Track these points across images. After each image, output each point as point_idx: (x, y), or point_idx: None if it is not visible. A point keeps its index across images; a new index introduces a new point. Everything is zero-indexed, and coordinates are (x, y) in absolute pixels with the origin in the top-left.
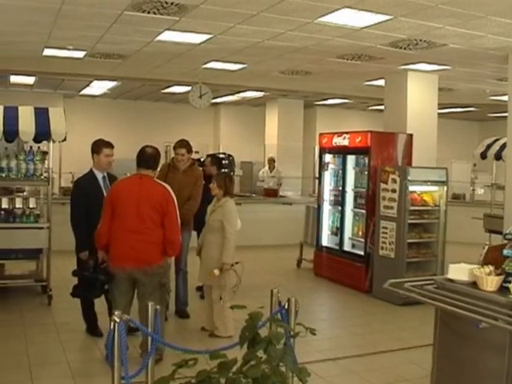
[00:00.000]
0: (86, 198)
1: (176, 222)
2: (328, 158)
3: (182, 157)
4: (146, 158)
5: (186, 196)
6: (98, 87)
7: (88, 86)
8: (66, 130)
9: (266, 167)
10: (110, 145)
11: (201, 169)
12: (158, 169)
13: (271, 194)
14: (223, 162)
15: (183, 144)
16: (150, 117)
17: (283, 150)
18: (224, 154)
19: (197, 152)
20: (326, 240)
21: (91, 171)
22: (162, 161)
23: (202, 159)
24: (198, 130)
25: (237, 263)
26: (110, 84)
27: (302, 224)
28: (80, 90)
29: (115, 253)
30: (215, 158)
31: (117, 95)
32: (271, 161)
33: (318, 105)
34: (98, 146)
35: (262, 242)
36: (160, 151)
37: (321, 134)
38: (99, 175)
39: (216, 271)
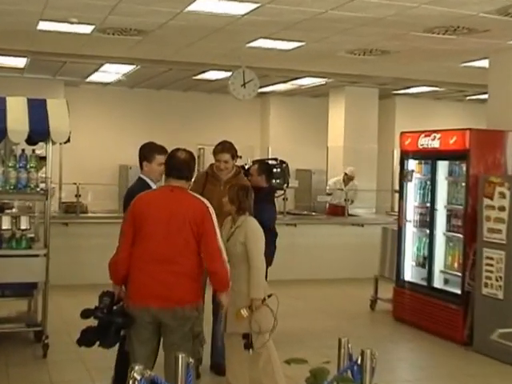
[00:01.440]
0: None
1: (216, 247)
2: (412, 164)
3: (226, 164)
4: (178, 165)
5: (227, 212)
6: (111, 73)
7: (97, 70)
8: (69, 128)
9: (340, 177)
10: (163, 151)
11: (245, 179)
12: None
13: (337, 211)
14: (274, 170)
15: (226, 148)
16: (177, 111)
17: (352, 154)
18: (275, 159)
19: (239, 157)
20: (410, 273)
21: (142, 180)
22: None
23: (246, 166)
24: (240, 128)
25: (270, 296)
26: (126, 68)
27: (377, 252)
28: (87, 77)
29: (136, 288)
30: (264, 166)
31: (135, 83)
32: (349, 179)
33: (398, 94)
34: (151, 153)
35: (323, 276)
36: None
37: (402, 134)
38: (152, 184)
39: (244, 311)
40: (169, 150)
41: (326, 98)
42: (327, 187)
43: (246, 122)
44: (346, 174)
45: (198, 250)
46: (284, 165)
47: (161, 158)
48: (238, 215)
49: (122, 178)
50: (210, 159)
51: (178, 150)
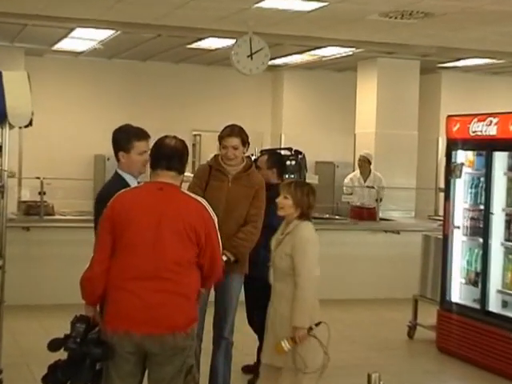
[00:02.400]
0: None
1: (220, 263)
2: (461, 156)
3: (235, 152)
4: (167, 152)
5: (238, 218)
6: (84, 39)
7: (66, 36)
8: (31, 108)
9: (357, 172)
10: (144, 135)
11: (259, 174)
12: (189, 173)
13: (366, 215)
14: (288, 162)
15: (236, 131)
16: (167, 89)
17: (385, 142)
18: (289, 149)
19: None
20: (458, 294)
21: (119, 177)
22: (189, 160)
23: (253, 157)
24: (246, 110)
25: (318, 325)
26: (103, 34)
27: (417, 266)
28: (53, 44)
29: (116, 310)
30: (275, 157)
31: (114, 52)
32: (364, 161)
33: (445, 68)
34: (128, 139)
35: (349, 296)
36: (187, 144)
37: (449, 118)
38: (132, 182)
39: (285, 343)
40: (156, 139)
41: (353, 73)
42: (344, 188)
43: (254, 103)
44: (360, 159)
45: (195, 263)
46: (300, 156)
47: (141, 145)
48: (297, 219)
49: (98, 171)
50: (208, 149)
51: (166, 137)
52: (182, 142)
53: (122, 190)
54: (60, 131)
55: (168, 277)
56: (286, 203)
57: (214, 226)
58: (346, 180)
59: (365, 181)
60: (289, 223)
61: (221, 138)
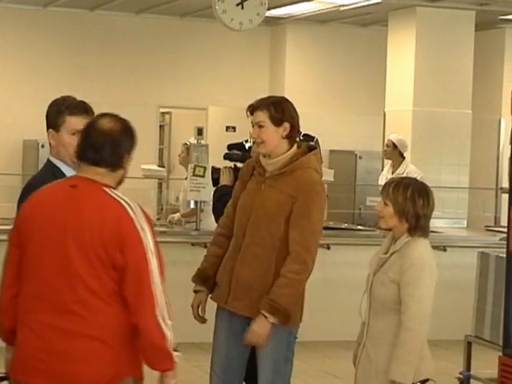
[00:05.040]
0: None
1: (149, 290)
2: None
3: (260, 132)
4: (96, 142)
5: (266, 245)
6: None
7: None
8: None
9: (388, 166)
10: (82, 109)
11: (314, 172)
12: (155, 166)
13: None
14: None
15: (263, 102)
16: (125, 49)
17: (426, 124)
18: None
19: (233, 128)
20: None
21: (50, 165)
22: (151, 148)
23: (247, 145)
24: (235, 79)
25: (424, 382)
26: None
27: (471, 295)
28: None
29: (18, 354)
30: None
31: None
32: (392, 150)
33: (510, 21)
34: (57, 113)
35: None
36: (134, 127)
37: None
38: (71, 174)
39: None
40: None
41: (382, 29)
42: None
43: (245, 70)
44: (388, 144)
45: (116, 291)
46: (311, 143)
47: (75, 122)
48: (407, 235)
49: (29, 161)
50: (180, 132)
51: (103, 115)
52: (124, 123)
53: (42, 188)
54: None
55: (75, 310)
56: (386, 212)
57: (141, 236)
58: (381, 178)
59: (394, 170)
60: (396, 239)
61: (251, 112)
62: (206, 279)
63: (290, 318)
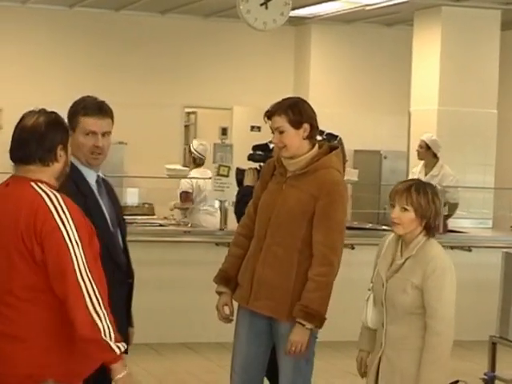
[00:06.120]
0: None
1: (72, 279)
2: None
3: (281, 137)
4: (19, 139)
5: (287, 249)
6: None
7: None
8: None
9: (420, 166)
10: (95, 109)
11: (336, 171)
12: (179, 166)
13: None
14: None
15: (280, 106)
16: (150, 49)
17: (451, 124)
18: (320, 133)
19: (258, 128)
20: None
21: (72, 165)
22: (176, 147)
23: (271, 145)
24: (259, 79)
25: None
26: None
27: (496, 296)
28: None
29: None
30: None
31: (75, 0)
32: (425, 151)
33: None
34: (73, 113)
35: None
36: (63, 119)
37: None
38: (89, 175)
39: None
40: (129, 116)
41: (408, 28)
42: None
43: (270, 70)
44: (421, 145)
45: (44, 287)
46: (335, 142)
47: (88, 122)
48: (422, 237)
49: None
50: (205, 132)
51: (29, 112)
52: (49, 117)
53: None
54: (7, 109)
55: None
56: (405, 218)
57: (59, 231)
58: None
59: (426, 171)
60: (408, 242)
61: (269, 116)
62: (228, 280)
63: (324, 320)
